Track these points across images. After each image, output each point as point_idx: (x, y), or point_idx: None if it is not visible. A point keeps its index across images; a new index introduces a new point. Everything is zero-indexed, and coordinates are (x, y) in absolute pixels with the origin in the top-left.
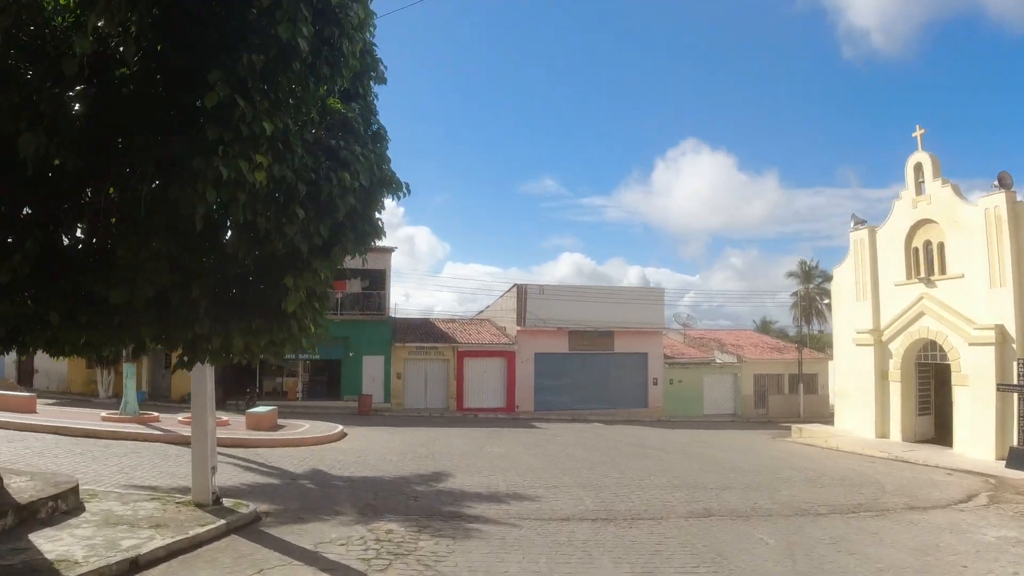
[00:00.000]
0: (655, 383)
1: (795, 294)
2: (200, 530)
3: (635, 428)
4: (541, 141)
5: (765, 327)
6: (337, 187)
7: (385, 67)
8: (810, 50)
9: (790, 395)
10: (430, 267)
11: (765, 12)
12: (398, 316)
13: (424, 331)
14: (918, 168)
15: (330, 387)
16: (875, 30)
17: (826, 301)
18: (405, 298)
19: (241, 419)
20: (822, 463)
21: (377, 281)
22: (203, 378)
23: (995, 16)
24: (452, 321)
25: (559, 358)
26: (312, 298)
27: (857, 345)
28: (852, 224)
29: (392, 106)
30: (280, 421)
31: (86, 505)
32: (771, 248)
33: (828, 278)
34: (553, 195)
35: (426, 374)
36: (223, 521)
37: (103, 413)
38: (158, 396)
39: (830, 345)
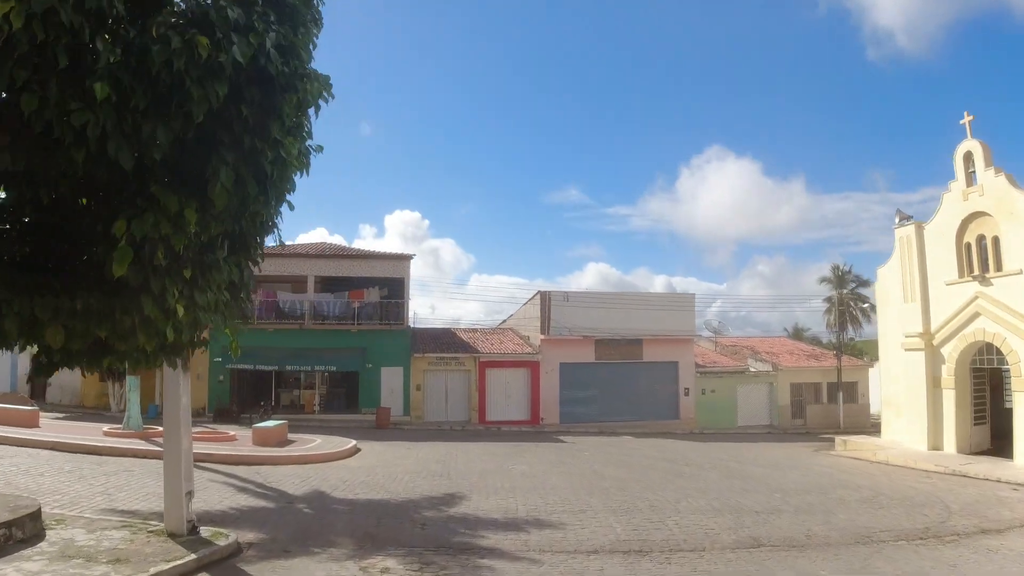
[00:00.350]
0: (686, 393)
1: (828, 299)
2: (164, 567)
3: (667, 441)
4: (565, 151)
5: (798, 334)
6: (183, 54)
7: None
8: (834, 52)
9: (829, 405)
10: (456, 279)
11: (788, 15)
12: (418, 326)
13: (444, 341)
14: (968, 157)
15: (348, 400)
16: (900, 31)
17: (864, 304)
18: (431, 310)
19: (250, 434)
20: (875, 480)
21: (396, 290)
22: (175, 389)
23: (1021, 13)
24: (474, 331)
25: (585, 368)
26: (173, 261)
27: (906, 350)
28: (897, 220)
29: (417, 119)
30: (292, 436)
31: (47, 532)
32: (799, 255)
33: (863, 283)
34: (578, 205)
35: (447, 386)
36: (193, 556)
37: (105, 428)
38: None
39: (868, 352)
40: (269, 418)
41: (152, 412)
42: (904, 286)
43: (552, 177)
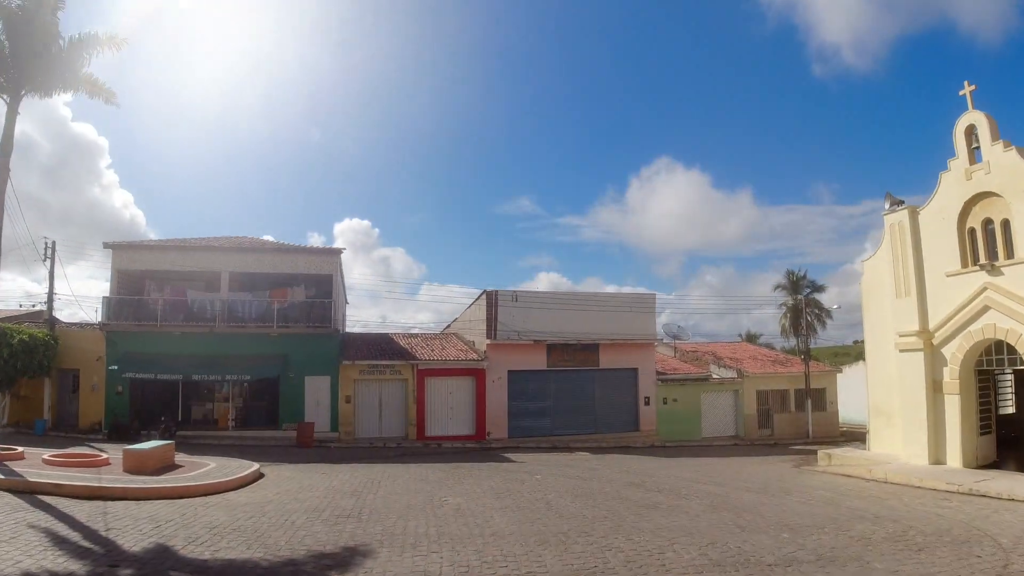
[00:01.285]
0: (647, 402)
1: (784, 305)
2: None
3: (629, 458)
4: (517, 161)
5: (751, 341)
6: None
7: None
8: (782, 68)
9: (797, 413)
10: (407, 289)
11: (737, 30)
12: (353, 331)
13: (379, 347)
14: (970, 132)
15: (268, 414)
16: (846, 46)
17: (817, 311)
18: (382, 319)
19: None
20: (888, 505)
21: (324, 289)
22: None
23: (965, 28)
24: (413, 336)
25: (536, 376)
26: None
27: (901, 351)
28: (887, 205)
29: (368, 127)
30: (186, 458)
31: None
32: (747, 266)
33: (817, 288)
34: (529, 215)
35: (381, 397)
36: None
37: None
38: (65, 424)
39: (822, 359)
40: (171, 436)
41: (40, 428)
42: (897, 279)
43: (504, 187)
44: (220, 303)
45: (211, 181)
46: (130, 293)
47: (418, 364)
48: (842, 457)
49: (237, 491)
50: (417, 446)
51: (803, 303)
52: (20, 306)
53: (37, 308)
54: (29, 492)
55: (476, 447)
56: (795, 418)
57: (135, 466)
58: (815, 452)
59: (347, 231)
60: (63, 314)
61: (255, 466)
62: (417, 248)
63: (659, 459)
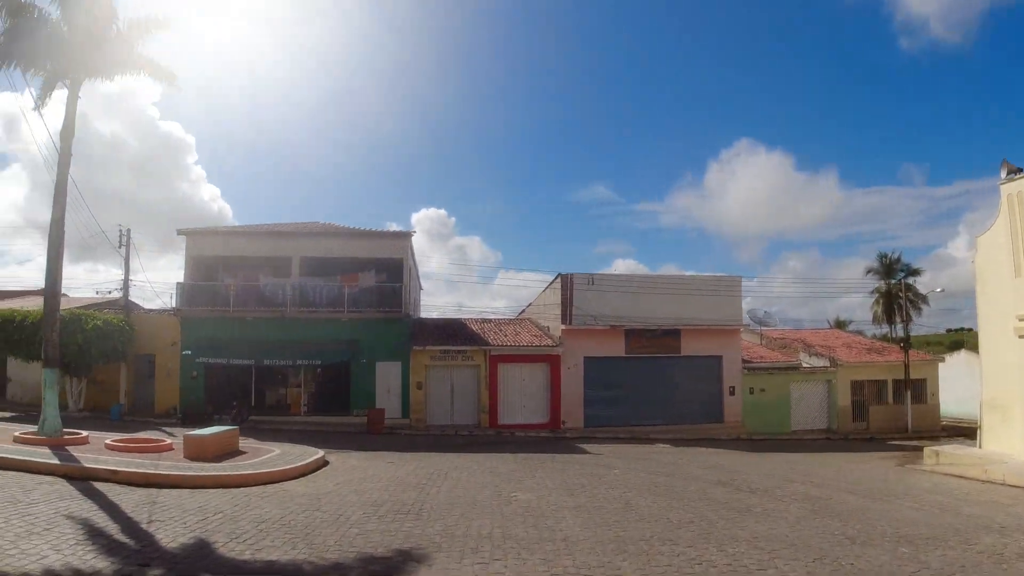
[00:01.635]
0: (732, 392)
1: (875, 291)
2: None
3: (713, 452)
4: (592, 148)
5: (841, 328)
6: None
7: None
8: (866, 43)
9: (894, 405)
10: (483, 276)
11: (818, 4)
12: (426, 316)
13: (451, 332)
14: None
15: (340, 399)
16: (934, 19)
17: (912, 296)
18: (459, 308)
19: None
20: (1015, 514)
21: (395, 273)
22: None
23: None
24: (486, 321)
25: (614, 363)
26: None
27: (1021, 336)
28: (1003, 174)
29: (442, 118)
30: (251, 444)
31: None
32: (831, 250)
33: (913, 271)
34: (605, 202)
35: (452, 384)
36: None
37: (17, 432)
38: (141, 409)
39: (925, 345)
40: (245, 420)
41: (115, 413)
42: (1016, 255)
43: (579, 175)
44: (291, 288)
45: (291, 175)
46: (204, 279)
47: (490, 350)
48: (951, 455)
49: (297, 480)
50: (489, 434)
51: (898, 288)
52: (96, 293)
53: (113, 295)
54: (84, 478)
55: (550, 436)
56: (892, 411)
57: (195, 452)
58: (917, 449)
59: (424, 220)
60: (156, 304)
61: (320, 453)
62: (492, 236)
63: (746, 454)
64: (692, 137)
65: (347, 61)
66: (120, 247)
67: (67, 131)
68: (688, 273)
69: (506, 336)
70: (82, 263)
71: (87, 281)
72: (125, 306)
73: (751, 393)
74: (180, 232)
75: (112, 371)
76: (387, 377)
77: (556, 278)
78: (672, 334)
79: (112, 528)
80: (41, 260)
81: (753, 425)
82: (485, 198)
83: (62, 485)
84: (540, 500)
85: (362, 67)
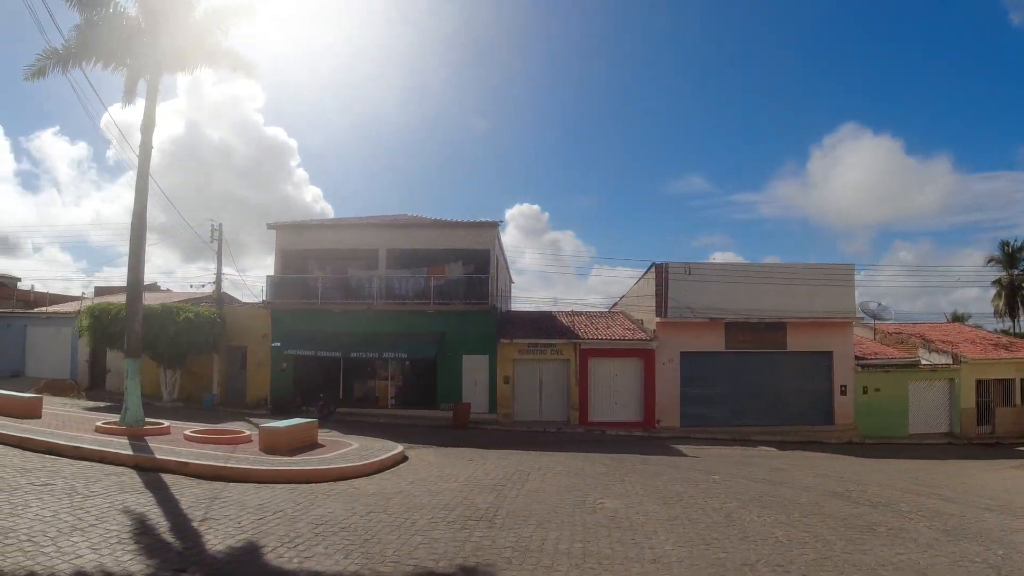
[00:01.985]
0: (843, 392)
1: (996, 283)
2: None
3: (824, 457)
4: (687, 138)
5: (960, 322)
6: None
7: None
8: (976, 18)
9: (1023, 407)
10: (577, 271)
11: None
12: (517, 308)
13: (539, 325)
14: None
15: (427, 393)
16: None
17: None
18: (554, 303)
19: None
20: None
21: (482, 265)
22: None
23: None
24: (577, 313)
25: (713, 358)
26: None
27: None
28: None
29: (532, 114)
30: (334, 436)
31: None
32: (945, 239)
33: None
34: (701, 193)
35: (541, 378)
36: None
37: (100, 422)
38: (233, 400)
39: None
40: (329, 413)
41: (208, 403)
42: None
43: (674, 166)
44: (378, 280)
45: (387, 175)
46: (294, 272)
47: (581, 343)
48: None
49: (370, 477)
50: (578, 432)
51: (1015, 279)
52: (191, 287)
53: (206, 289)
54: (154, 470)
55: (644, 436)
56: (1021, 413)
57: (270, 445)
58: None
59: (517, 216)
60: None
61: (398, 449)
62: (587, 231)
63: (861, 460)
64: (793, 123)
65: (437, 59)
66: (212, 241)
67: (147, 124)
68: (793, 262)
69: (597, 329)
70: (197, 262)
71: (201, 279)
72: (217, 299)
73: (864, 393)
74: (270, 226)
75: (205, 362)
76: (474, 370)
77: (650, 268)
78: (777, 328)
79: (162, 525)
80: (157, 260)
81: (866, 428)
82: (579, 192)
83: (129, 477)
84: (629, 509)
85: (452, 65)
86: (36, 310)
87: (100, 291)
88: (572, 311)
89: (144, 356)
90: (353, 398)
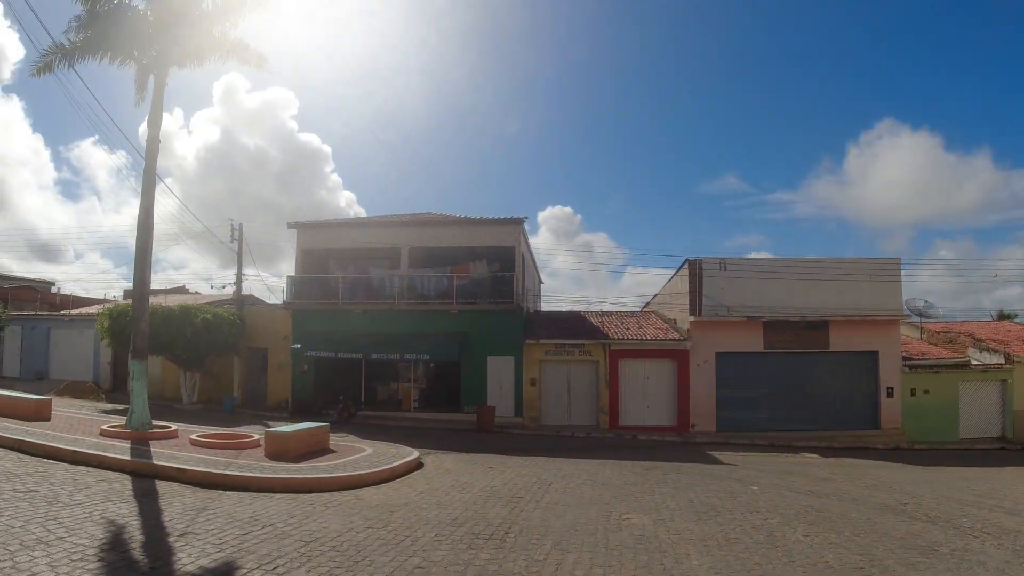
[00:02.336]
0: (890, 394)
1: None
2: None
3: (872, 465)
4: (721, 138)
5: (1007, 319)
6: None
7: None
8: (1014, 11)
9: None
10: (610, 273)
11: None
12: (546, 309)
13: (567, 325)
14: None
15: (451, 395)
16: None
17: None
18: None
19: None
20: None
21: (507, 263)
22: None
23: None
24: (607, 314)
25: (751, 359)
26: None
27: None
28: None
29: (564, 115)
30: (350, 441)
31: None
32: (988, 237)
33: None
34: (736, 193)
35: (569, 381)
36: None
37: (106, 425)
38: (254, 402)
39: None
40: (351, 415)
41: (228, 405)
42: None
43: (708, 165)
44: (400, 279)
45: (418, 180)
46: (316, 272)
47: (610, 344)
48: None
49: (378, 487)
50: (608, 437)
51: None
52: (211, 288)
53: (227, 291)
54: (151, 476)
55: (677, 441)
56: None
57: (275, 450)
58: None
59: (549, 219)
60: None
61: (414, 455)
62: (619, 232)
63: (911, 468)
64: (828, 120)
65: (466, 61)
66: (232, 242)
67: (154, 119)
68: (836, 257)
69: (628, 329)
70: (232, 268)
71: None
72: (237, 300)
73: (912, 395)
74: (290, 225)
75: (226, 365)
76: (499, 372)
77: (683, 264)
78: (819, 326)
79: (136, 540)
80: (195, 265)
81: (914, 432)
82: (611, 194)
83: (121, 483)
84: (658, 526)
85: (481, 67)
86: (59, 313)
87: (128, 294)
88: (601, 311)
89: (162, 358)
90: (376, 401)
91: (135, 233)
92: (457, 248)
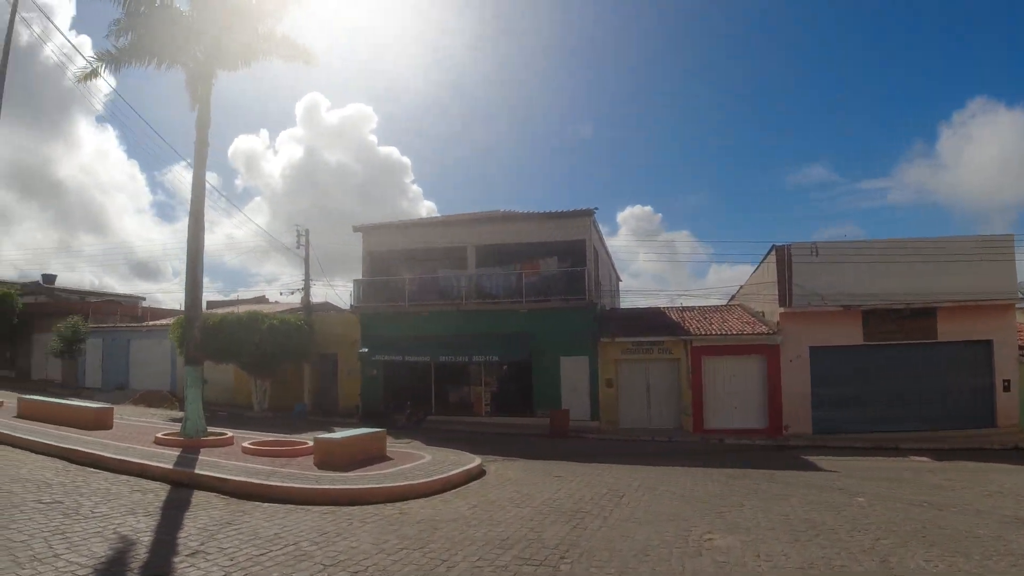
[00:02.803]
0: (1006, 388)
1: None
2: None
3: (991, 468)
4: (805, 127)
5: None
6: None
7: None
8: None
9: None
10: (696, 271)
11: None
12: (626, 306)
13: (645, 322)
14: None
15: (524, 398)
16: None
17: None
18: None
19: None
20: None
21: (577, 257)
22: None
23: None
24: (688, 309)
25: (849, 353)
26: None
27: None
28: None
29: (638, 114)
30: (414, 448)
31: None
32: None
33: None
34: (824, 183)
35: (648, 381)
36: None
37: (160, 433)
38: (325, 408)
39: None
40: (420, 420)
41: (298, 411)
42: None
43: (793, 156)
44: (466, 279)
45: (495, 188)
46: (382, 275)
47: (692, 340)
48: None
49: (428, 499)
50: (692, 441)
51: None
52: (281, 294)
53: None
54: (191, 485)
55: (769, 445)
56: None
57: (323, 459)
58: None
59: (629, 219)
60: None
61: (474, 463)
62: (702, 229)
63: None
64: (917, 102)
65: (540, 63)
66: (299, 247)
67: (201, 123)
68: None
69: (711, 324)
70: (321, 279)
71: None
72: (305, 306)
73: None
74: (355, 228)
75: (296, 371)
76: (572, 373)
77: (770, 251)
78: (925, 314)
79: (139, 559)
80: (287, 279)
81: None
82: (692, 191)
83: (156, 494)
84: (747, 549)
85: (556, 71)
86: (137, 324)
87: (211, 304)
88: (682, 306)
89: (234, 366)
90: (449, 404)
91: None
92: (525, 245)
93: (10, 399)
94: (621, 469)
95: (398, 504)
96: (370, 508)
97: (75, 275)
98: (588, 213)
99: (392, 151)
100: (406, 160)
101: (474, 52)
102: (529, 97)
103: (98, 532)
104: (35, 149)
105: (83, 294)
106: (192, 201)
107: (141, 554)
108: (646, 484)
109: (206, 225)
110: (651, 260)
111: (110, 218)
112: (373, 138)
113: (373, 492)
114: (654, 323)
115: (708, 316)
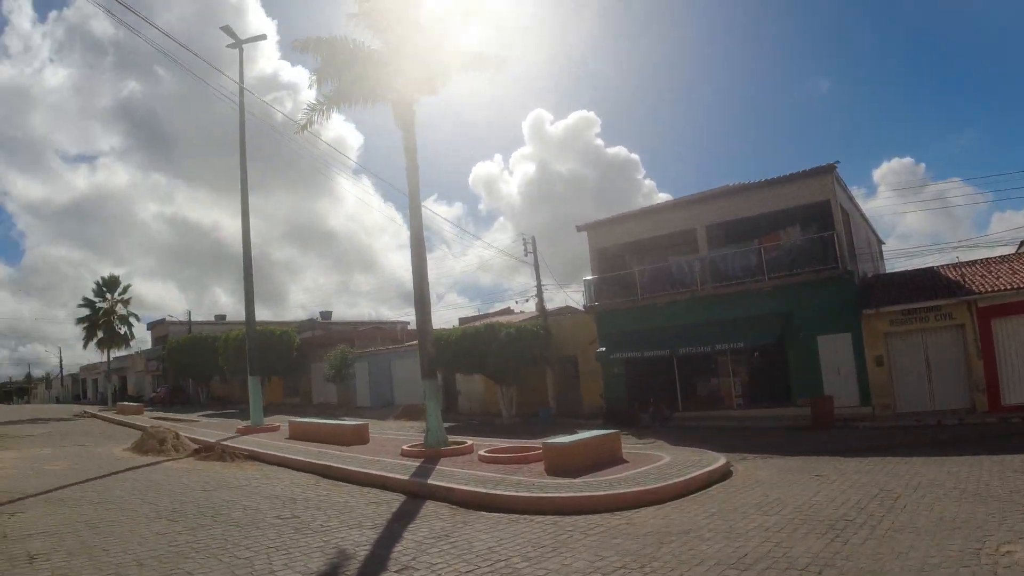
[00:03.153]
0: None
1: None
2: None
3: None
4: None
5: None
6: None
7: None
8: None
9: None
10: (972, 225)
11: None
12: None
13: (916, 285)
14: None
15: (779, 387)
16: None
17: None
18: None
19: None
20: None
21: (823, 221)
22: None
23: None
24: (968, 264)
25: None
26: None
27: None
28: None
29: (879, 65)
30: (654, 448)
31: None
32: None
33: None
34: None
35: (927, 354)
36: None
37: (407, 445)
38: (569, 411)
39: None
40: (666, 418)
41: (544, 416)
42: None
43: None
44: (700, 263)
45: (730, 165)
46: (612, 271)
47: (977, 300)
48: None
49: (661, 506)
50: (987, 423)
51: None
52: (515, 302)
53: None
54: (423, 496)
55: None
56: None
57: (553, 464)
58: None
59: (888, 174)
60: None
61: (719, 463)
62: (975, 173)
63: None
64: None
65: (770, 24)
66: (526, 255)
67: (409, 148)
68: None
69: (999, 278)
70: (570, 286)
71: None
72: (541, 311)
73: None
74: (579, 228)
75: (539, 376)
76: (833, 354)
77: None
78: None
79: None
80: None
81: None
82: (958, 128)
83: (389, 505)
84: None
85: (790, 28)
86: (396, 345)
87: (463, 320)
88: (960, 262)
89: (482, 376)
90: (697, 399)
91: (411, 264)
92: (759, 216)
93: (285, 423)
94: (897, 463)
95: (627, 512)
96: (595, 518)
97: (354, 309)
98: (829, 169)
99: (620, 150)
100: (635, 156)
101: (692, 15)
102: (757, 55)
103: (319, 547)
104: (307, 207)
105: (353, 324)
106: (411, 223)
107: (351, 569)
108: (927, 482)
109: (460, 250)
110: (918, 216)
111: (376, 256)
112: (600, 141)
113: (599, 500)
114: (927, 284)
115: (994, 269)
